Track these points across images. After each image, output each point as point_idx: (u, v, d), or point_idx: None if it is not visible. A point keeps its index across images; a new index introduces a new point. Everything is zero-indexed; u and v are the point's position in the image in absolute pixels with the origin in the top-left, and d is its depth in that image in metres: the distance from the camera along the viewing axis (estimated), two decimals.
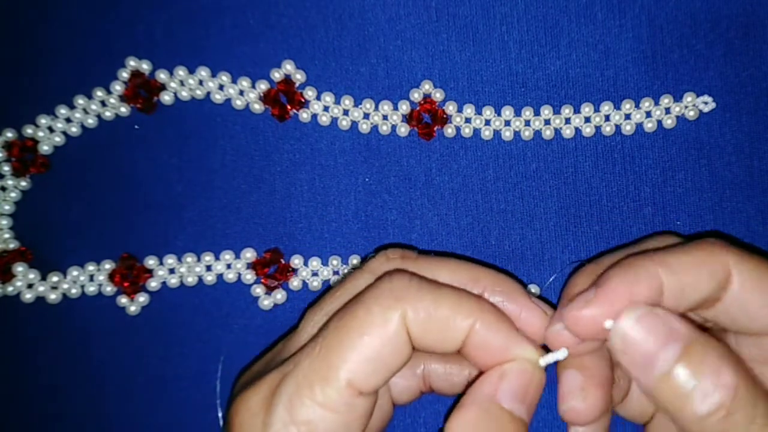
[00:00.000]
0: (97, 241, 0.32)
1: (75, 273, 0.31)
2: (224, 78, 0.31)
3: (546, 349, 0.24)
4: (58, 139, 0.32)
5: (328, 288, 0.31)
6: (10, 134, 0.31)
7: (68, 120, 0.32)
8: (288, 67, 0.31)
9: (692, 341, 0.21)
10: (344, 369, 0.21)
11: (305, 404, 0.21)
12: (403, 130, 0.31)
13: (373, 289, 0.23)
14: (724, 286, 0.22)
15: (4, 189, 0.31)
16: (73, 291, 0.31)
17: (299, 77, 0.31)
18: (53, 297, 0.31)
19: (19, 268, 0.31)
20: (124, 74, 0.31)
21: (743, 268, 0.22)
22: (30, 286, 0.31)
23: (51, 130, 0.32)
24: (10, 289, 0.31)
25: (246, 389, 0.23)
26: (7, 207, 0.31)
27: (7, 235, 0.31)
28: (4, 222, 0.31)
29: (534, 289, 0.31)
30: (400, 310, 0.22)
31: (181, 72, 0.31)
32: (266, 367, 0.25)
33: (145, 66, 0.31)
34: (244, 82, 0.31)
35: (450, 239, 0.31)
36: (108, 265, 0.31)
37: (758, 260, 0.23)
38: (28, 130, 0.31)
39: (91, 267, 0.31)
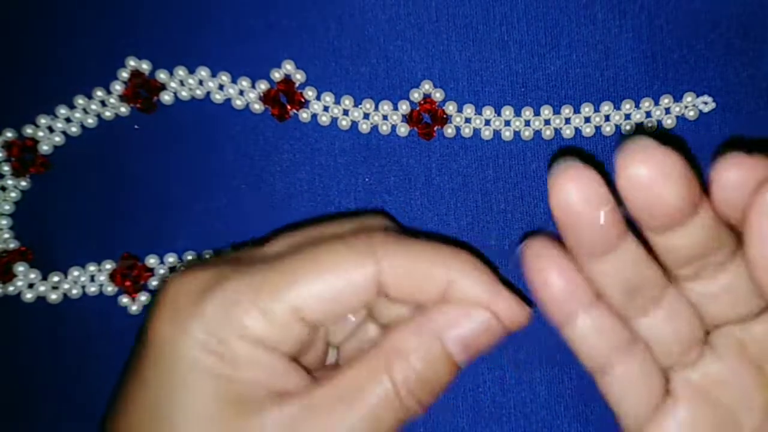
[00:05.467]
0: (96, 241, 0.32)
1: (76, 273, 0.31)
2: (224, 78, 0.31)
3: None
4: (58, 139, 0.32)
5: None
6: (9, 134, 0.31)
7: (68, 120, 0.32)
8: (288, 67, 0.31)
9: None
10: (296, 291, 0.21)
11: (246, 309, 0.21)
12: (403, 130, 0.31)
13: (357, 231, 0.23)
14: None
15: (4, 189, 0.31)
16: (74, 291, 0.31)
17: (299, 77, 0.31)
18: (54, 297, 0.31)
19: (20, 267, 0.31)
20: (124, 74, 0.31)
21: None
22: (31, 285, 0.31)
23: (51, 130, 0.32)
24: (11, 288, 0.31)
25: (187, 272, 0.23)
26: (7, 207, 0.31)
27: (6, 235, 0.31)
28: (4, 222, 0.31)
29: None
30: (375, 256, 0.22)
31: (181, 72, 0.31)
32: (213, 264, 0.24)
33: (145, 66, 0.31)
34: (244, 82, 0.31)
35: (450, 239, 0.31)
36: (109, 265, 0.31)
37: None
38: (28, 130, 0.31)
39: (92, 267, 0.31)
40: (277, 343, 0.22)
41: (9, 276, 0.31)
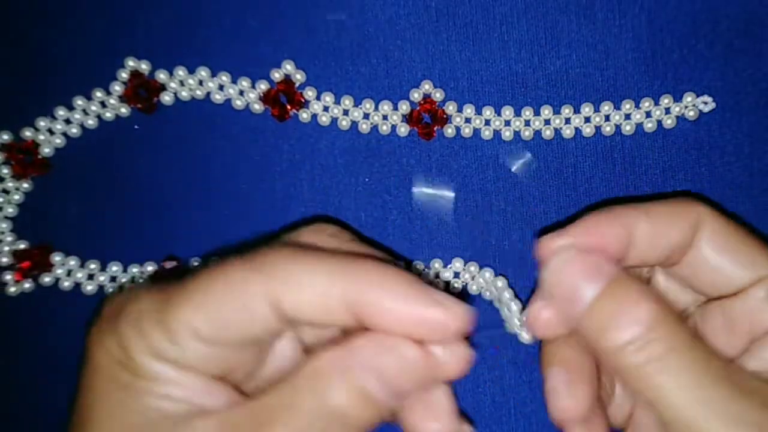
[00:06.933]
0: (97, 242, 0.32)
1: (114, 268, 0.32)
2: (224, 78, 0.31)
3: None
4: (59, 141, 0.32)
5: None
6: (5, 136, 0.31)
7: (68, 121, 0.32)
8: (288, 67, 0.31)
9: (615, 279, 0.22)
10: (189, 309, 0.20)
11: (153, 326, 0.21)
12: (403, 130, 0.31)
13: (254, 254, 0.22)
14: (693, 239, 0.23)
15: (6, 192, 0.31)
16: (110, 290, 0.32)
17: (299, 77, 0.31)
18: (90, 288, 0.32)
19: (57, 257, 0.31)
20: (124, 75, 0.31)
21: (713, 225, 0.23)
22: (69, 273, 0.32)
23: (51, 131, 0.32)
24: (46, 279, 0.31)
25: (121, 292, 0.23)
26: (10, 210, 0.31)
27: (9, 238, 0.31)
28: (5, 225, 0.31)
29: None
30: (264, 274, 0.21)
31: (181, 72, 0.31)
32: None
33: (145, 66, 0.31)
34: (244, 82, 0.31)
35: (450, 239, 0.31)
36: (150, 267, 0.32)
37: (728, 221, 0.24)
38: (27, 132, 0.31)
39: (134, 269, 0.32)
40: (187, 361, 0.21)
41: (36, 271, 0.31)
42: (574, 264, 0.23)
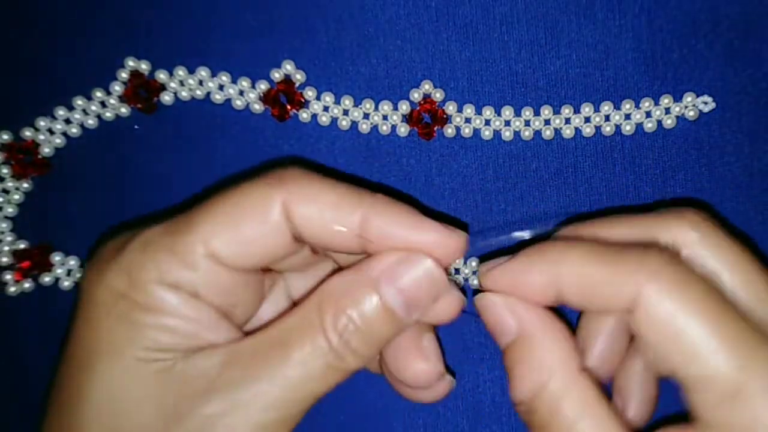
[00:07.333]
0: (98, 242, 0.32)
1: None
2: (224, 78, 0.31)
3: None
4: (59, 141, 0.32)
5: None
6: (5, 136, 0.31)
7: (68, 121, 0.32)
8: (288, 67, 0.31)
9: (521, 334, 0.22)
10: (206, 228, 0.21)
11: (162, 252, 0.21)
12: (403, 130, 0.31)
13: (262, 175, 0.22)
14: (632, 306, 0.20)
15: (6, 192, 0.31)
16: None
17: (299, 77, 0.31)
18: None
19: (57, 257, 0.31)
20: (124, 75, 0.31)
21: (655, 296, 0.19)
22: (69, 273, 0.32)
23: (51, 131, 0.32)
24: (47, 279, 0.31)
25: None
26: (10, 210, 0.31)
27: (9, 238, 0.31)
28: (5, 225, 0.31)
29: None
30: (280, 188, 0.21)
31: (180, 72, 0.31)
32: None
33: (144, 66, 0.31)
34: (244, 82, 0.31)
35: None
36: None
37: (681, 286, 0.19)
38: (27, 132, 0.31)
39: None
40: (197, 287, 0.21)
41: (40, 270, 0.31)
42: (495, 308, 0.23)
